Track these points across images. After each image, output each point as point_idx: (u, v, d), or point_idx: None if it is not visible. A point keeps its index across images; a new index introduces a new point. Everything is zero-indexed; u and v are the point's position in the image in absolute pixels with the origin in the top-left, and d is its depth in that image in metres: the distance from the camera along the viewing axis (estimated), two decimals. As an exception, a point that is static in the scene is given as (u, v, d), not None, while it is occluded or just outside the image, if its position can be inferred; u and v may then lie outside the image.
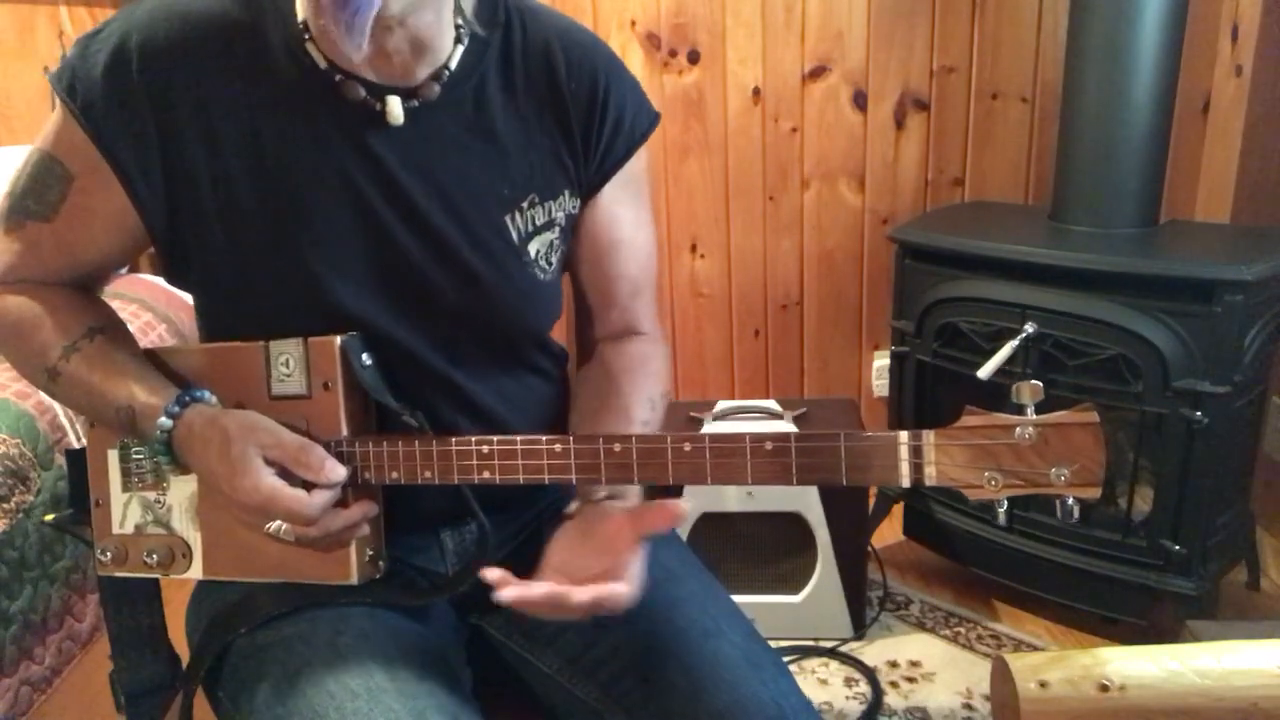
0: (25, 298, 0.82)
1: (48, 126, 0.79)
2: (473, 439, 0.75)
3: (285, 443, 0.75)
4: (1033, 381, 0.64)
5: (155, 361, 0.84)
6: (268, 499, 0.73)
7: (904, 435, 0.64)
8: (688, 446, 0.69)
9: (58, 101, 0.78)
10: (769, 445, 0.67)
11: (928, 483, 0.64)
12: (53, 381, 0.82)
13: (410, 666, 0.76)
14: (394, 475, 0.77)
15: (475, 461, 0.75)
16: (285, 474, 0.75)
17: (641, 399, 0.89)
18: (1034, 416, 0.63)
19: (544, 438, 0.73)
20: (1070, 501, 0.63)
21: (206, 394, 0.80)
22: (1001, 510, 0.66)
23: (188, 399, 0.78)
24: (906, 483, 0.65)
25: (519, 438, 0.74)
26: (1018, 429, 0.63)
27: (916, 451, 0.64)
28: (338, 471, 0.76)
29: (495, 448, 0.74)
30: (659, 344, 0.97)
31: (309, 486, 0.75)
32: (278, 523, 0.75)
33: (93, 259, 0.84)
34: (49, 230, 0.80)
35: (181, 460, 0.78)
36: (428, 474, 0.76)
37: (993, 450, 0.63)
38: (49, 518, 1.13)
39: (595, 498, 0.81)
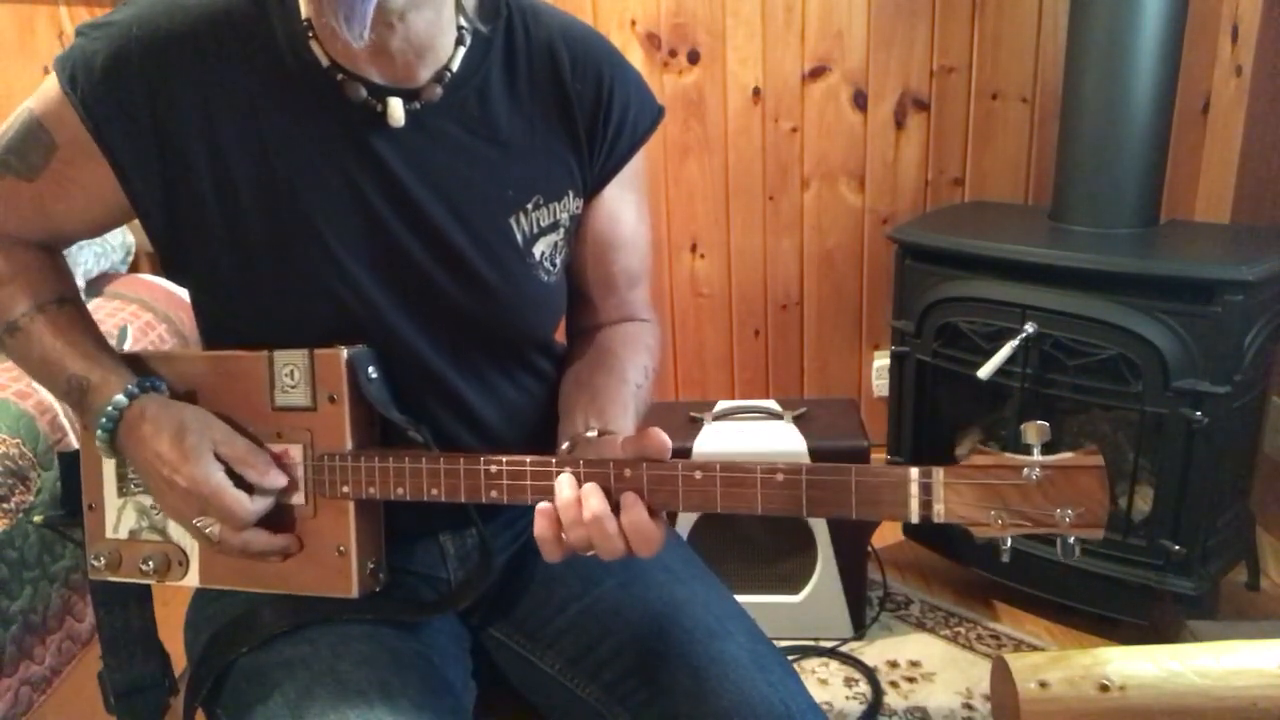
0: None
1: (42, 90, 0.79)
2: (481, 458, 0.74)
3: (236, 442, 0.77)
4: (1039, 422, 0.65)
5: (154, 365, 0.84)
6: (213, 491, 0.75)
7: (915, 472, 0.65)
8: (698, 474, 0.69)
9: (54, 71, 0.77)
10: (780, 476, 0.67)
11: (935, 519, 0.65)
12: (9, 335, 0.83)
13: (410, 695, 0.76)
14: (399, 491, 0.77)
15: (483, 481, 0.74)
16: (230, 475, 0.76)
17: (636, 365, 0.89)
18: (1041, 458, 0.64)
19: (553, 459, 0.73)
20: (1072, 540, 0.64)
21: (163, 384, 0.81)
22: (1005, 549, 0.67)
23: (147, 384, 0.79)
24: (915, 519, 0.65)
25: (528, 458, 0.73)
26: (1025, 469, 0.64)
27: (926, 489, 0.65)
28: (279, 479, 0.78)
29: (504, 468, 0.74)
30: (653, 325, 0.98)
31: (250, 493, 0.76)
32: (208, 519, 0.76)
33: (67, 224, 0.84)
34: (29, 189, 0.80)
35: (120, 441, 0.78)
36: (434, 491, 0.76)
37: (1000, 490, 0.64)
38: (38, 518, 1.13)
39: (585, 435, 0.80)
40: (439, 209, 0.81)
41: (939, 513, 0.65)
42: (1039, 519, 0.64)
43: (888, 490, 0.65)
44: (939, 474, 0.64)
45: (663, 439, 0.70)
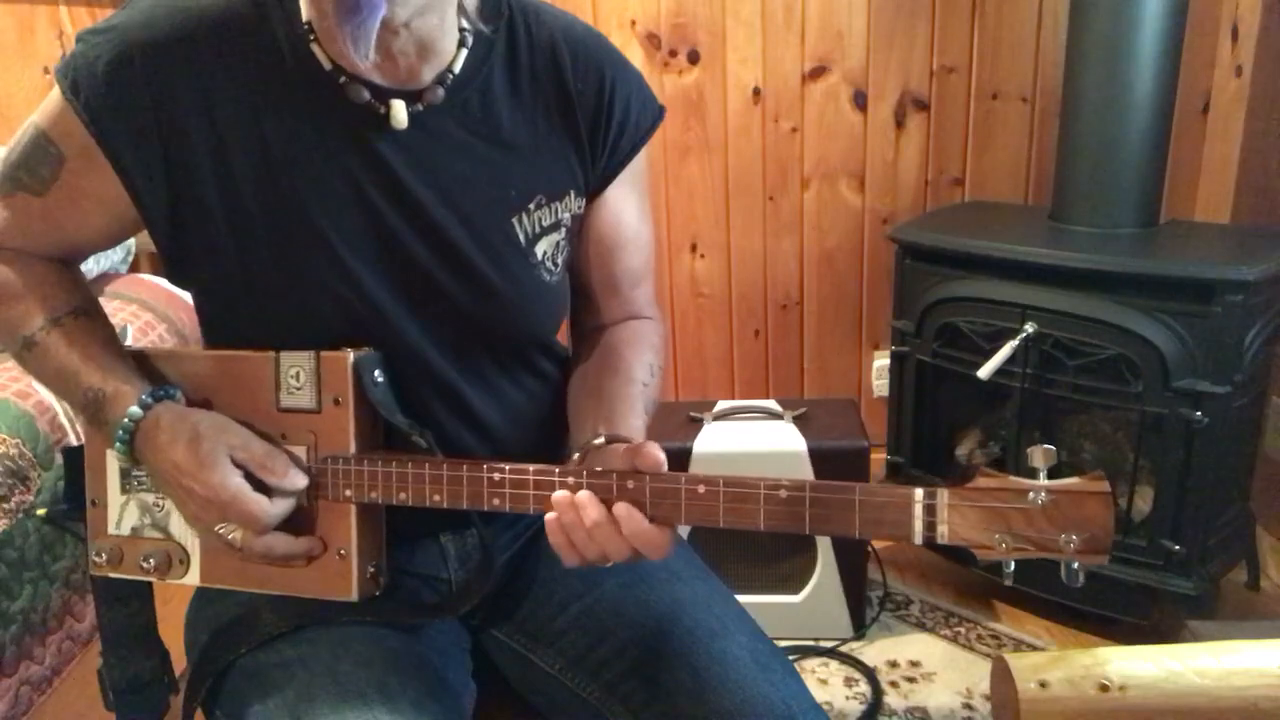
0: (10, 265, 0.83)
1: (46, 103, 0.79)
2: (484, 465, 0.74)
3: (254, 447, 0.77)
4: (1045, 446, 0.64)
5: (160, 364, 0.84)
6: (233, 497, 0.74)
7: (919, 493, 0.65)
8: (702, 489, 0.69)
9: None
10: (783, 494, 0.67)
11: (939, 541, 0.65)
12: (27, 350, 0.82)
13: (409, 695, 0.76)
14: (402, 496, 0.77)
15: (486, 489, 0.74)
16: (248, 479, 0.76)
17: (642, 364, 0.89)
18: (1046, 481, 0.63)
19: (556, 469, 0.72)
20: (1076, 566, 0.64)
21: (178, 392, 0.80)
22: (1009, 571, 0.67)
23: (161, 394, 0.79)
24: (919, 540, 0.65)
25: (531, 467, 0.73)
26: (1031, 493, 0.63)
27: (930, 510, 0.64)
28: (299, 480, 0.77)
29: (507, 476, 0.74)
30: (657, 323, 0.98)
31: (269, 496, 0.76)
32: (230, 525, 0.76)
33: (80, 237, 0.84)
34: (39, 204, 0.80)
35: (138, 452, 0.78)
36: (437, 497, 0.76)
37: (1005, 513, 0.64)
38: (41, 512, 1.13)
39: (594, 443, 0.80)
40: (441, 210, 0.80)
41: (943, 534, 0.65)
42: (1043, 544, 0.64)
43: (891, 511, 0.65)
44: (943, 496, 0.64)
45: (656, 456, 0.70)
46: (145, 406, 0.78)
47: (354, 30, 0.69)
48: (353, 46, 0.70)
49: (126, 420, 0.77)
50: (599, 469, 0.72)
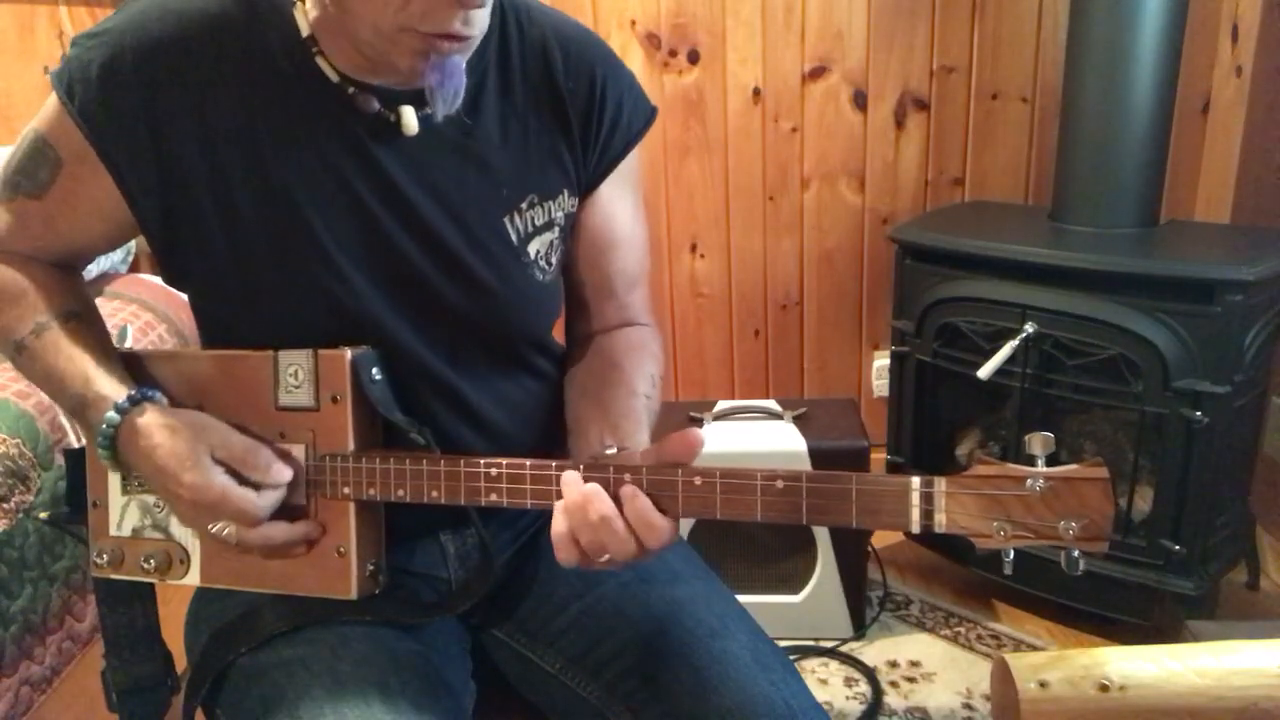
0: (9, 269, 0.83)
1: (45, 109, 0.79)
2: (481, 460, 0.74)
3: (233, 443, 0.77)
4: (1044, 433, 0.64)
5: (157, 365, 0.84)
6: (219, 497, 0.74)
7: (916, 481, 0.64)
8: (698, 480, 0.69)
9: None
10: (780, 484, 0.67)
11: (937, 530, 0.64)
12: (18, 354, 0.83)
13: (409, 695, 0.76)
14: (400, 493, 0.77)
15: (483, 484, 0.74)
16: (233, 475, 0.76)
17: (643, 375, 0.89)
18: (1044, 468, 0.63)
19: (554, 463, 0.72)
20: (1076, 554, 0.64)
21: (157, 394, 0.80)
22: (1008, 560, 0.66)
23: (139, 397, 0.78)
24: (916, 529, 0.65)
25: (528, 461, 0.73)
26: (1028, 480, 0.63)
27: (928, 499, 0.64)
28: (284, 473, 0.77)
29: (504, 471, 0.74)
30: (655, 330, 0.98)
31: (257, 490, 0.76)
32: (223, 523, 0.76)
33: (79, 241, 0.84)
34: (38, 208, 0.81)
35: (123, 457, 0.78)
36: (434, 494, 0.76)
37: (1003, 500, 0.63)
38: (43, 515, 1.13)
39: (605, 452, 0.79)
40: (435, 210, 0.81)
41: (940, 523, 0.64)
42: (1042, 531, 0.63)
43: (889, 499, 0.65)
44: (940, 484, 0.64)
45: (696, 437, 0.69)
46: (122, 411, 0.77)
47: (446, 95, 0.74)
48: (442, 105, 0.75)
49: (105, 426, 0.77)
50: (596, 460, 0.72)
